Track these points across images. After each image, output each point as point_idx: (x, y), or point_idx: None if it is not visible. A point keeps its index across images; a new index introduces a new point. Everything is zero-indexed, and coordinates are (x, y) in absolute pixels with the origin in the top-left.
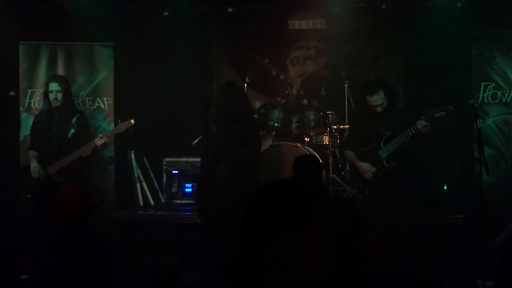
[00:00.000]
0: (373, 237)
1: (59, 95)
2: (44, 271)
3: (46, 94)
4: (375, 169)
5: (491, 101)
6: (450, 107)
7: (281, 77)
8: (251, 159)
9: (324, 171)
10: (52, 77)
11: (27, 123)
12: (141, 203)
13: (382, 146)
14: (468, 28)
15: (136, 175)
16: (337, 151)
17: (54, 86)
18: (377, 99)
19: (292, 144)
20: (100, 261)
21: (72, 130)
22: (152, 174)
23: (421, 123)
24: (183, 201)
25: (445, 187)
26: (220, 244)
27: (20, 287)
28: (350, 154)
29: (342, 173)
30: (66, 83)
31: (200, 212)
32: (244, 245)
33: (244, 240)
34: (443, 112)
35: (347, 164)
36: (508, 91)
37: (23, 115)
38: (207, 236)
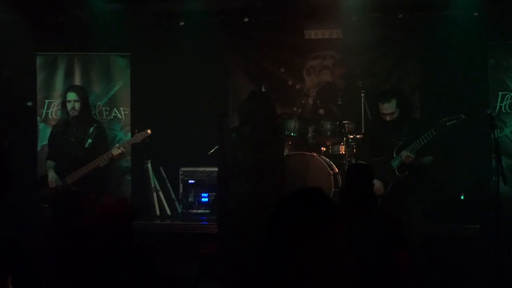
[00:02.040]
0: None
1: (77, 105)
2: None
3: (63, 104)
4: (383, 189)
5: (508, 111)
6: (462, 115)
7: (297, 86)
8: (273, 168)
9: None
10: (70, 87)
11: (44, 133)
12: (158, 212)
13: (395, 156)
14: (485, 38)
15: (152, 185)
16: (353, 160)
17: (72, 96)
18: (388, 108)
19: (309, 154)
20: (140, 277)
21: (89, 140)
22: (168, 184)
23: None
24: (199, 211)
25: (462, 197)
26: (238, 254)
27: None
28: None
29: None
30: (83, 93)
31: (219, 223)
32: (266, 252)
33: (266, 247)
34: (454, 121)
35: None
36: None
37: (41, 125)
38: (225, 247)
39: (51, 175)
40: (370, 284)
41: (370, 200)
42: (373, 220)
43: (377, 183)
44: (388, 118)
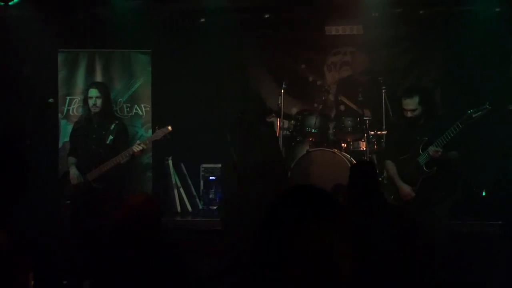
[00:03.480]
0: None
1: (99, 101)
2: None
3: (85, 100)
4: (414, 194)
5: None
6: (487, 105)
7: (318, 83)
8: (271, 167)
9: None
10: (92, 83)
11: (66, 130)
12: (179, 209)
13: (421, 152)
14: (507, 33)
15: (173, 182)
16: (374, 157)
17: (93, 92)
18: (410, 103)
19: (329, 150)
20: (170, 270)
21: (111, 137)
22: (189, 180)
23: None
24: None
25: (483, 193)
26: (240, 253)
27: None
28: (391, 167)
29: (380, 179)
30: (105, 90)
31: (222, 221)
32: (261, 249)
33: (261, 245)
34: (480, 112)
35: (384, 170)
36: None
37: (62, 122)
38: (229, 245)
39: (73, 172)
40: (370, 282)
41: (373, 197)
42: (374, 218)
43: (407, 188)
44: (409, 114)
